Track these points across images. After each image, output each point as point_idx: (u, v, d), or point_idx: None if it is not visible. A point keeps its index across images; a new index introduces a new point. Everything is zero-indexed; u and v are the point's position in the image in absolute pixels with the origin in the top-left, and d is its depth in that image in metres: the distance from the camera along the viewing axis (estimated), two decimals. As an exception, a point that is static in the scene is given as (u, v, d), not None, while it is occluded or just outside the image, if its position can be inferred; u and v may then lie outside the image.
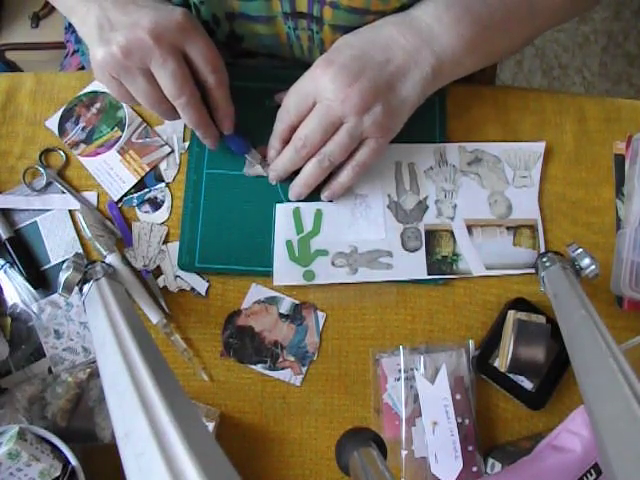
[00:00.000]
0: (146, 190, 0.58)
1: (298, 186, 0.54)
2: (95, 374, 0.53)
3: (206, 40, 0.49)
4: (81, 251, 0.56)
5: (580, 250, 0.51)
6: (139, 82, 0.48)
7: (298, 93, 0.51)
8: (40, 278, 0.55)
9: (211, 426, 0.51)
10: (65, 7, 0.52)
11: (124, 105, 0.59)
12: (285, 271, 0.56)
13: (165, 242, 0.57)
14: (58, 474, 0.47)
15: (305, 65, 0.54)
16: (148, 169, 0.58)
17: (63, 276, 0.47)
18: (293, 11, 0.52)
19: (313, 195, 0.57)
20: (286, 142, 0.53)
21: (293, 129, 0.52)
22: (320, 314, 0.56)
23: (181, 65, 0.47)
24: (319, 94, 0.49)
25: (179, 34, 0.47)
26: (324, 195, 0.55)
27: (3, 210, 0.57)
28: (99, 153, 0.58)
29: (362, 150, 0.52)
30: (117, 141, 0.58)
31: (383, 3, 0.49)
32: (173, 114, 0.51)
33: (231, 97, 0.52)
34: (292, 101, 0.51)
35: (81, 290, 0.48)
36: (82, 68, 0.77)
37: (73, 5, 0.50)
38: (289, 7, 0.51)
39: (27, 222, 0.57)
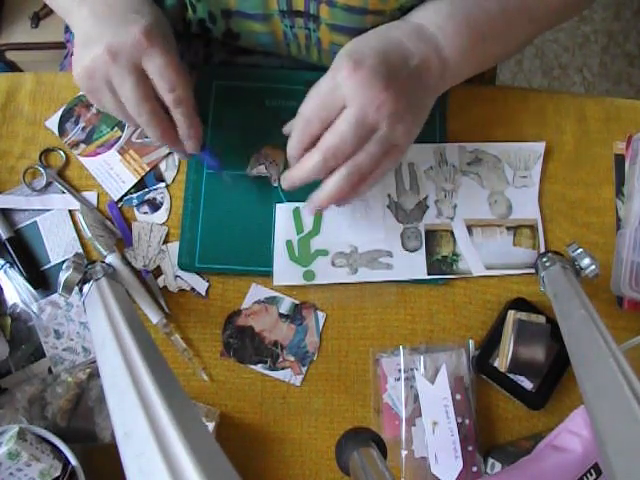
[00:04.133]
0: (146, 190, 0.58)
1: (320, 200, 0.48)
2: (95, 374, 0.53)
3: (165, 57, 0.47)
4: (81, 251, 0.56)
5: (580, 250, 0.51)
6: (107, 99, 0.48)
7: (321, 99, 0.46)
8: (40, 278, 0.55)
9: (211, 426, 0.51)
10: (62, 9, 0.53)
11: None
12: (285, 271, 0.56)
13: (165, 242, 0.57)
14: (58, 474, 0.47)
15: (302, 63, 0.53)
16: (148, 169, 0.58)
17: (63, 276, 0.47)
18: (290, 9, 0.52)
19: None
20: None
21: (316, 138, 0.47)
22: (320, 314, 0.56)
23: (139, 82, 0.46)
24: (351, 99, 0.44)
25: (134, 51, 0.46)
26: (338, 203, 0.50)
27: (3, 210, 0.57)
28: (99, 153, 0.58)
29: (388, 159, 0.47)
30: (117, 141, 0.58)
31: (381, 2, 0.49)
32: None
33: (197, 115, 0.50)
34: (314, 108, 0.46)
35: (81, 290, 0.48)
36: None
37: (67, 5, 0.51)
38: (285, 5, 0.51)
39: (27, 222, 0.57)
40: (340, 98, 0.44)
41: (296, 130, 0.47)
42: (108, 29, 0.46)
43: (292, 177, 0.49)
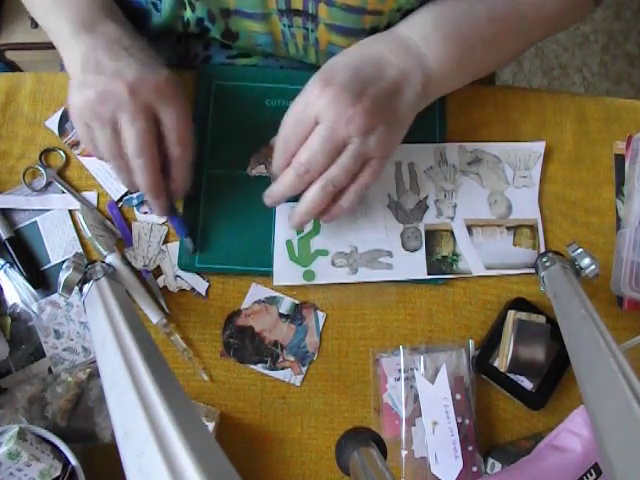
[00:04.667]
0: (146, 190, 0.58)
1: (299, 215, 0.51)
2: (95, 374, 0.53)
3: (181, 109, 0.48)
4: (81, 251, 0.56)
5: (580, 250, 0.51)
6: (105, 132, 0.47)
7: (295, 118, 0.48)
8: (40, 278, 0.55)
9: (211, 426, 0.51)
10: (59, 40, 0.52)
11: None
12: (285, 271, 0.56)
13: (165, 242, 0.57)
14: (58, 474, 0.47)
15: (301, 64, 0.53)
16: (148, 169, 0.58)
17: (63, 276, 0.47)
18: (288, 8, 0.52)
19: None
20: None
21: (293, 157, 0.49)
22: (320, 314, 0.56)
23: (149, 127, 0.46)
24: (320, 115, 0.46)
25: (156, 95, 0.46)
26: (323, 219, 0.52)
27: (3, 210, 0.57)
28: (99, 153, 0.58)
29: (366, 172, 0.49)
30: (117, 141, 0.58)
31: (380, 3, 0.49)
32: (126, 175, 0.49)
33: (190, 167, 0.51)
34: (290, 127, 0.48)
35: (81, 290, 0.48)
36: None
37: (66, 38, 0.50)
38: (284, 4, 0.51)
39: (27, 222, 0.57)
40: (312, 116, 0.46)
41: (277, 149, 0.50)
42: (129, 64, 0.46)
43: (272, 193, 0.51)
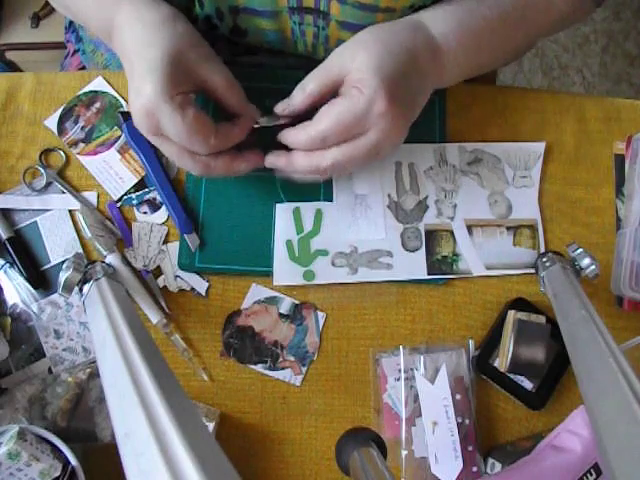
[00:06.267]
0: (146, 190, 0.58)
1: (292, 172, 0.50)
2: (95, 374, 0.53)
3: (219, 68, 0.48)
4: (81, 251, 0.56)
5: (580, 250, 0.51)
6: (160, 141, 0.47)
7: (350, 123, 0.46)
8: (40, 278, 0.55)
9: (211, 426, 0.51)
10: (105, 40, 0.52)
11: (124, 104, 0.59)
12: (285, 271, 0.56)
13: (165, 242, 0.57)
14: (58, 474, 0.47)
15: (308, 62, 0.53)
16: (148, 169, 0.58)
17: (63, 276, 0.47)
18: (300, 5, 0.51)
19: (313, 195, 0.57)
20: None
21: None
22: (320, 314, 0.56)
23: (185, 121, 0.45)
24: (374, 131, 0.46)
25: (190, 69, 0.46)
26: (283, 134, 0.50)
27: (3, 210, 0.57)
28: (99, 152, 0.58)
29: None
30: (117, 140, 0.58)
31: (393, 0, 0.49)
32: (209, 169, 0.49)
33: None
34: (341, 127, 0.46)
35: (81, 290, 0.48)
36: (82, 68, 0.77)
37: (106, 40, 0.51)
38: (295, 2, 0.51)
39: (27, 222, 0.57)
40: (366, 127, 0.46)
41: (311, 138, 0.47)
42: (146, 78, 0.45)
43: (290, 168, 0.49)
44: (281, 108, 0.50)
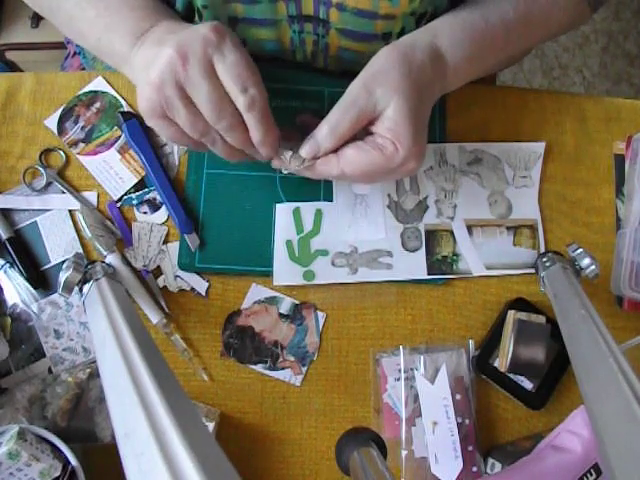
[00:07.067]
0: (146, 190, 0.58)
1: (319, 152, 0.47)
2: (95, 374, 0.53)
3: (236, 54, 0.43)
4: (81, 251, 0.56)
5: (580, 250, 0.51)
6: (182, 114, 0.43)
7: (381, 165, 0.46)
8: (40, 278, 0.55)
9: (211, 426, 0.51)
10: (116, 60, 0.50)
11: (124, 104, 0.59)
12: (285, 271, 0.56)
13: (165, 242, 0.57)
14: (58, 474, 0.47)
15: (306, 69, 0.53)
16: (148, 169, 0.58)
17: (63, 276, 0.47)
18: (299, 14, 0.51)
19: (313, 195, 0.57)
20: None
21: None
22: (320, 314, 0.56)
23: (216, 86, 0.42)
24: (404, 171, 0.47)
25: (206, 48, 0.42)
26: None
27: (3, 210, 0.57)
28: (99, 152, 0.58)
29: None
30: (117, 140, 0.58)
31: (392, 6, 0.49)
32: (218, 146, 0.46)
33: (271, 118, 0.45)
34: (371, 162, 0.46)
35: (81, 290, 0.48)
36: (83, 69, 0.77)
37: (125, 55, 0.47)
38: (295, 10, 0.51)
39: (27, 222, 0.57)
40: (397, 164, 0.46)
41: (336, 173, 0.47)
42: (169, 39, 0.43)
43: (314, 170, 0.48)
44: (311, 152, 0.47)
